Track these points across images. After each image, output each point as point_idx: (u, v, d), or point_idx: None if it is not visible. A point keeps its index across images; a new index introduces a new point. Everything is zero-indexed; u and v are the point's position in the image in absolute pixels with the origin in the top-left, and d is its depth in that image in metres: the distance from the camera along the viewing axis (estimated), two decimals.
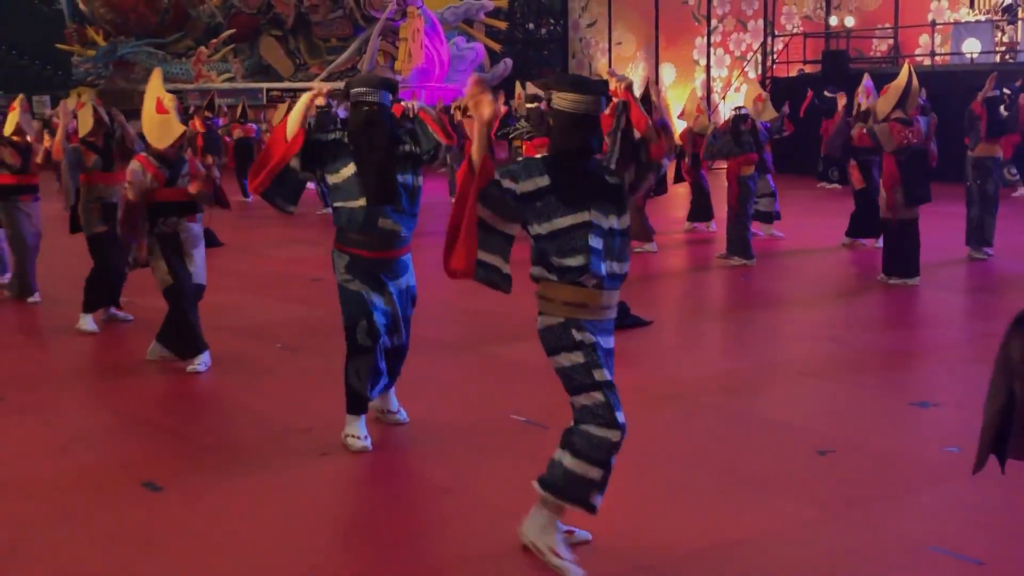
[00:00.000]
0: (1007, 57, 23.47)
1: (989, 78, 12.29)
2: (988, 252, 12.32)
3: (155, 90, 7.87)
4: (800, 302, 10.50)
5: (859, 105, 12.91)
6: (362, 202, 5.81)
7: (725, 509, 5.11)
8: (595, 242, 4.28)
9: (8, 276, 11.19)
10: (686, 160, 15.44)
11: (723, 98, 28.63)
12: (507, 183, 4.25)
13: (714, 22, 30.23)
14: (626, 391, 6.52)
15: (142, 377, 7.84)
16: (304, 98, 5.91)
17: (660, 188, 13.91)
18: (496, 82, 31.25)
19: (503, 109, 17.28)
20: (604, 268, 4.29)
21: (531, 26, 37.10)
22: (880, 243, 12.82)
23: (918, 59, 25.13)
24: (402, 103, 6.48)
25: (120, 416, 6.91)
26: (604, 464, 4.28)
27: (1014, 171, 19.87)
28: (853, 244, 13.40)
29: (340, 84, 30.33)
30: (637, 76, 31.58)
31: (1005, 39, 23.88)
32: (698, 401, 6.93)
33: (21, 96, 10.77)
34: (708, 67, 30.25)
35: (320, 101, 6.03)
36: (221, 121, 22.78)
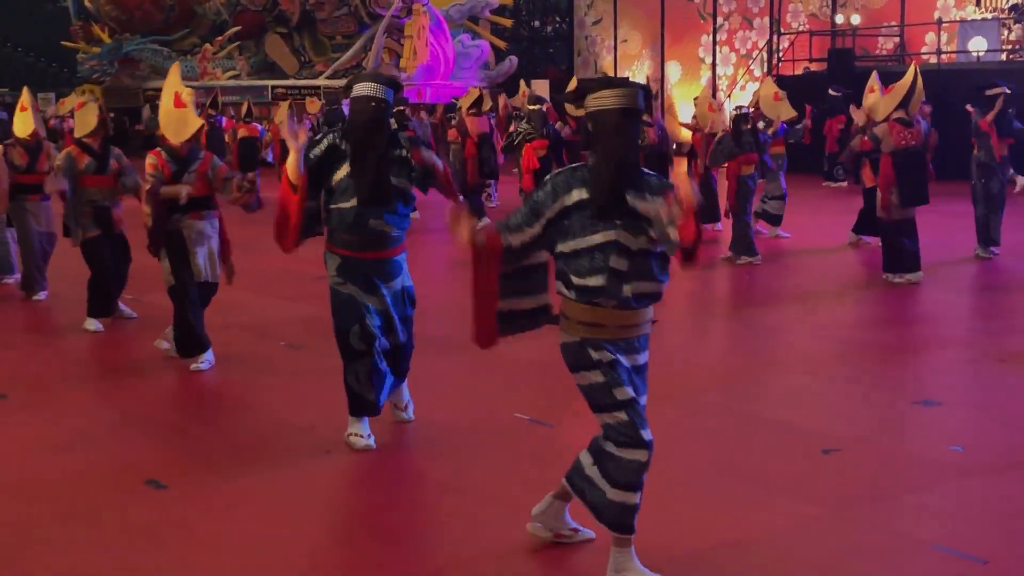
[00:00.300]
0: (1013, 56, 23.42)
1: (999, 98, 12.15)
2: (995, 251, 12.29)
3: (173, 84, 7.82)
4: (805, 301, 10.49)
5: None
6: (354, 202, 5.74)
7: (728, 508, 5.10)
8: (617, 263, 4.13)
9: (17, 276, 11.21)
10: (697, 162, 15.40)
11: (728, 96, 28.59)
12: (537, 219, 4.19)
13: (720, 20, 30.19)
14: None
15: (146, 375, 7.84)
16: (292, 147, 5.71)
17: None
18: (501, 79, 31.28)
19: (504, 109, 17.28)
20: (627, 290, 4.14)
21: (536, 23, 37.09)
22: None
23: (924, 57, 25.09)
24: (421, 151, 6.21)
25: (124, 414, 6.91)
26: (640, 486, 4.22)
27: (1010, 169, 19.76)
28: (859, 242, 13.37)
29: (344, 82, 30.48)
30: (642, 74, 31.59)
31: (1012, 37, 23.83)
32: (702, 400, 6.92)
33: (27, 91, 10.64)
34: (714, 65, 30.21)
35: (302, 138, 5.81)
36: (224, 120, 22.78)
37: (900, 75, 11.13)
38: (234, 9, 32.71)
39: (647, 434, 4.18)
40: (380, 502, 5.39)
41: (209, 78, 31.69)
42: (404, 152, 5.86)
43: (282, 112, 21.04)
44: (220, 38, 32.69)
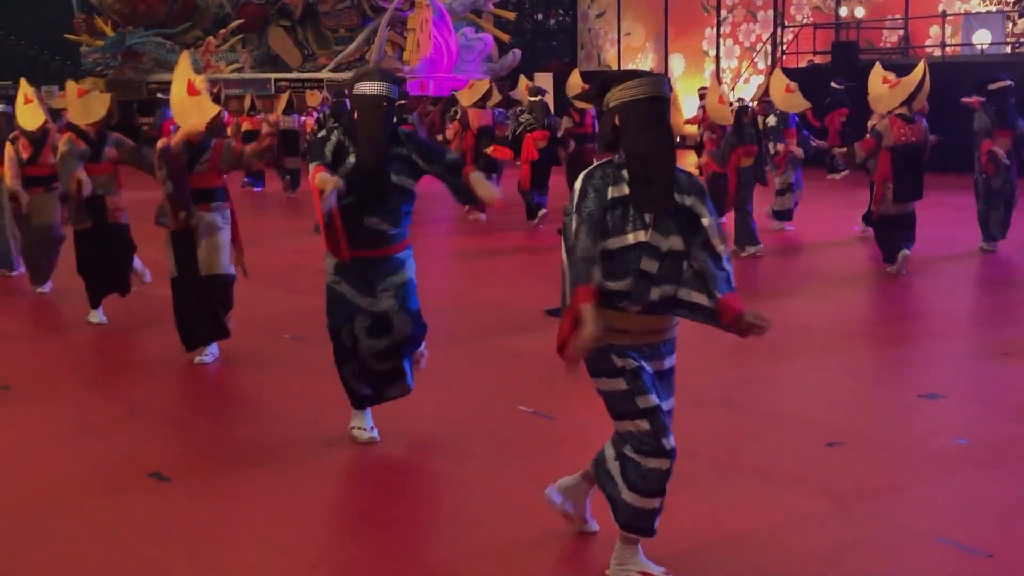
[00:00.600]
0: (1018, 48, 23.37)
1: (1006, 94, 12.12)
2: (992, 246, 12.23)
3: (184, 73, 7.68)
4: (810, 293, 10.48)
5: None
6: (350, 198, 5.59)
7: (732, 501, 5.10)
8: (648, 265, 3.99)
9: (20, 270, 11.21)
10: (700, 159, 15.37)
11: (732, 89, 28.55)
12: (587, 218, 3.97)
13: (724, 13, 30.13)
14: None
15: (149, 368, 7.85)
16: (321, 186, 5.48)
17: None
18: (505, 72, 31.24)
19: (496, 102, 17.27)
20: (655, 293, 4.00)
21: (540, 16, 37.03)
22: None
23: (928, 50, 25.04)
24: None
25: (127, 407, 6.91)
26: (660, 492, 4.13)
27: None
28: (865, 231, 13.36)
29: (349, 75, 30.33)
30: (646, 67, 31.53)
31: (1016, 30, 23.78)
32: (706, 393, 6.91)
33: (24, 83, 10.47)
34: (717, 58, 30.16)
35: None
36: (227, 114, 22.72)
37: (903, 68, 11.10)
38: (237, 2, 32.67)
39: (669, 442, 4.06)
40: (384, 494, 5.38)
41: (212, 71, 31.65)
42: (405, 150, 5.74)
43: (282, 104, 21.00)
44: (223, 31, 32.65)
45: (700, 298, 4.04)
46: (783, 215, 14.19)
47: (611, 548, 4.32)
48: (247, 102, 21.57)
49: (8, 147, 10.11)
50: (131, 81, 32.25)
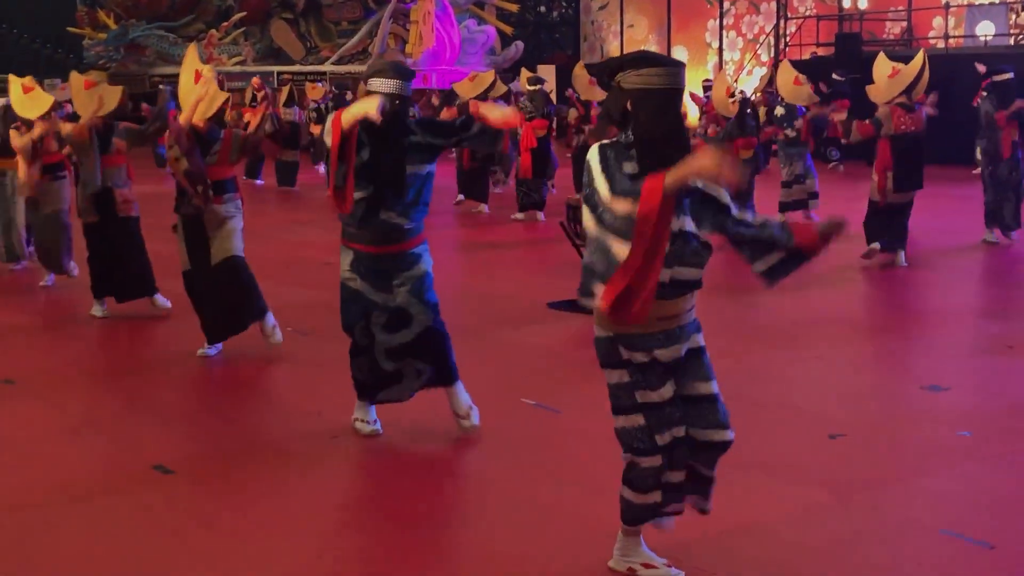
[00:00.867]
0: (1022, 40, 23.33)
1: (1018, 99, 12.11)
2: (1014, 236, 12.18)
3: (192, 63, 7.68)
4: (812, 286, 10.47)
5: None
6: (365, 193, 5.54)
7: (735, 493, 5.09)
8: None
9: (24, 264, 11.21)
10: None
11: (735, 81, 28.50)
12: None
13: (726, 4, 30.10)
14: None
15: (153, 362, 7.86)
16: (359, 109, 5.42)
17: None
18: (507, 65, 31.22)
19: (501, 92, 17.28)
20: (665, 275, 3.87)
21: (542, 8, 37.00)
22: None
23: (931, 41, 25.00)
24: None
25: (131, 400, 6.92)
26: (658, 486, 4.10)
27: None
28: None
29: (351, 68, 30.27)
30: None
31: (1020, 21, 23.73)
32: None
33: (13, 77, 10.35)
34: (720, 50, 30.13)
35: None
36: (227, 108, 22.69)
37: (906, 60, 11.09)
38: None
39: (663, 438, 4.01)
40: (387, 486, 5.40)
41: (215, 64, 31.64)
42: (418, 137, 5.67)
43: (283, 98, 20.96)
44: (226, 24, 32.65)
45: (774, 257, 4.09)
46: (794, 205, 14.05)
47: (612, 540, 4.33)
48: (248, 94, 21.58)
49: (12, 132, 10.03)
50: (134, 74, 32.24)
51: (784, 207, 14.00)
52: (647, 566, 4.25)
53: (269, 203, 18.10)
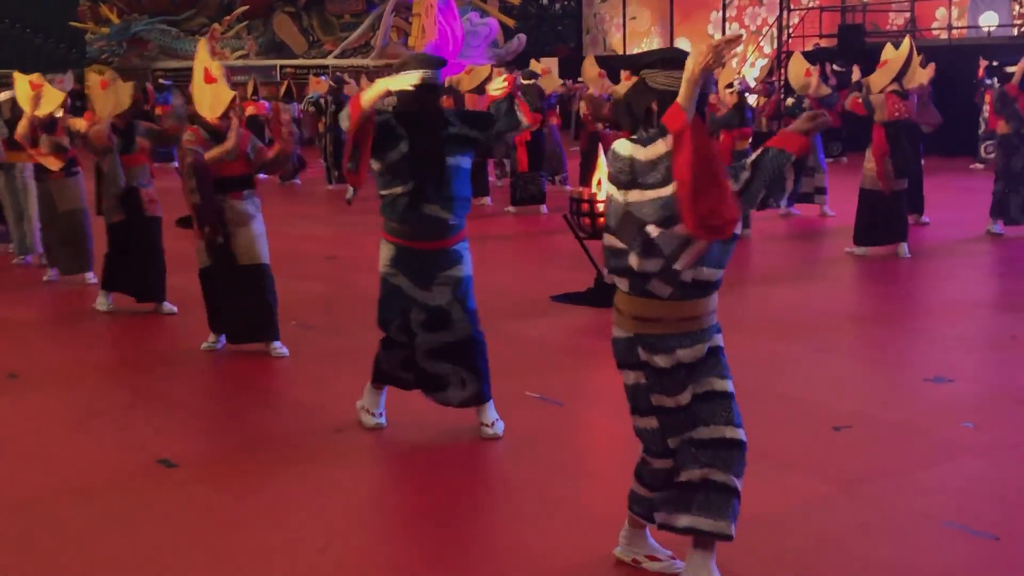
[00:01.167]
0: None
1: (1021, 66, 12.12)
2: (999, 229, 12.18)
3: (202, 60, 7.63)
4: (815, 277, 10.47)
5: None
6: (407, 187, 5.48)
7: None
8: None
9: (30, 258, 11.20)
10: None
11: (739, 72, 28.46)
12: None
13: None
14: None
15: (157, 355, 7.86)
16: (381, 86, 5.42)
17: None
18: (510, 57, 31.17)
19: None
20: (688, 275, 3.81)
21: (545, 1, 36.94)
22: (924, 217, 12.80)
23: (934, 32, 24.94)
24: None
25: (135, 393, 6.93)
26: (668, 486, 4.02)
27: (991, 148, 19.60)
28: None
29: (354, 61, 30.22)
30: None
31: (1023, 12, 23.68)
32: None
33: (18, 74, 10.30)
34: None
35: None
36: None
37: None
38: None
39: (674, 442, 3.96)
40: (390, 480, 5.40)
41: (217, 58, 31.64)
42: (456, 129, 5.62)
43: (282, 91, 20.98)
44: (228, 18, 32.61)
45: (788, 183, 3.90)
46: (797, 198, 13.95)
47: (618, 528, 4.33)
48: (250, 87, 21.56)
49: (22, 123, 9.96)
50: (136, 69, 32.23)
51: (807, 197, 13.96)
52: (651, 558, 4.26)
53: (270, 197, 18.05)
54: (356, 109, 5.37)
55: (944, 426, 5.94)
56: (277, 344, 7.60)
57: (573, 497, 5.04)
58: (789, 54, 25.58)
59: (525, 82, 15.63)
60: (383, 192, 5.59)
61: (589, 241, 9.30)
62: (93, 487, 5.27)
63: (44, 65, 28.39)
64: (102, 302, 9.08)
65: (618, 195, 3.86)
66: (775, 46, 27.47)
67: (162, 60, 31.98)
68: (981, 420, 5.99)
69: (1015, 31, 23.25)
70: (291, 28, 32.30)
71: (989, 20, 22.90)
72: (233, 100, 7.50)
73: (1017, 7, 23.72)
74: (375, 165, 5.57)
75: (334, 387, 6.80)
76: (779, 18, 27.75)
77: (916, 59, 10.93)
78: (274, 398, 6.84)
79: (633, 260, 3.82)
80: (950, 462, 5.42)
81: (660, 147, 3.74)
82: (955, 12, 24.41)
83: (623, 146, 3.87)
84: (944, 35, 24.23)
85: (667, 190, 3.72)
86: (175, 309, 8.91)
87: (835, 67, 20.77)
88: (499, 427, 5.81)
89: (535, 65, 19.09)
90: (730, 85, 12.57)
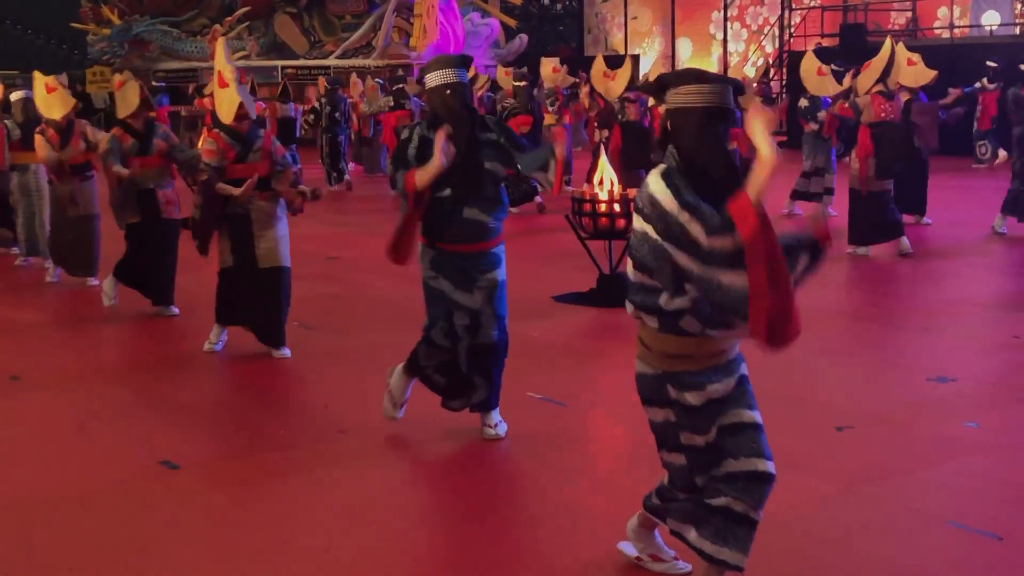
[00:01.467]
0: None
1: None
2: (1004, 227, 12.15)
3: (218, 64, 7.62)
4: (818, 277, 10.45)
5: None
6: (447, 192, 5.48)
7: None
8: None
9: (31, 260, 11.18)
10: None
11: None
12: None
13: None
14: None
15: (159, 355, 7.86)
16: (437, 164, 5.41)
17: None
18: (512, 58, 31.18)
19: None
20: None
21: (546, 1, 36.94)
22: (926, 219, 12.80)
23: (936, 31, 24.94)
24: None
25: (137, 395, 6.93)
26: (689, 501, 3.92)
27: (984, 149, 19.60)
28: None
29: (355, 62, 30.21)
30: (653, 51, 31.44)
31: None
32: None
33: (38, 74, 10.29)
34: (725, 41, 30.07)
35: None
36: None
37: (911, 51, 11.22)
38: None
39: (700, 479, 3.83)
40: (393, 480, 5.40)
41: (234, 59, 31.67)
42: (494, 135, 5.61)
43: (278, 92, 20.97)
44: (229, 19, 32.61)
45: (803, 263, 3.84)
46: (808, 196, 13.90)
47: (622, 531, 4.31)
48: (248, 87, 21.51)
49: (38, 138, 9.95)
50: (138, 70, 32.24)
51: (797, 195, 13.87)
52: (655, 558, 4.24)
53: None
54: (411, 187, 5.43)
55: (947, 426, 5.93)
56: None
57: (576, 498, 5.03)
58: (791, 53, 25.62)
59: (516, 84, 15.63)
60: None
61: (591, 241, 9.30)
62: (95, 488, 5.27)
63: (46, 66, 28.46)
64: (108, 295, 8.93)
65: (653, 234, 3.62)
66: (776, 45, 27.48)
67: (164, 61, 31.98)
68: (984, 420, 5.99)
69: (1017, 30, 23.23)
70: (292, 29, 32.30)
71: (991, 19, 22.90)
72: (240, 106, 7.37)
73: (1019, 6, 23.72)
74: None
75: (336, 388, 6.80)
76: (780, 17, 27.76)
77: (900, 58, 11.02)
78: (276, 399, 6.84)
79: (664, 299, 3.68)
80: (953, 462, 5.41)
81: (727, 242, 3.48)
82: (957, 11, 24.41)
83: (664, 198, 3.58)
84: (946, 34, 24.22)
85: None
86: (176, 311, 8.90)
87: (833, 66, 20.75)
88: (502, 428, 5.80)
89: (546, 62, 19.09)
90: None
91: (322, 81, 22.08)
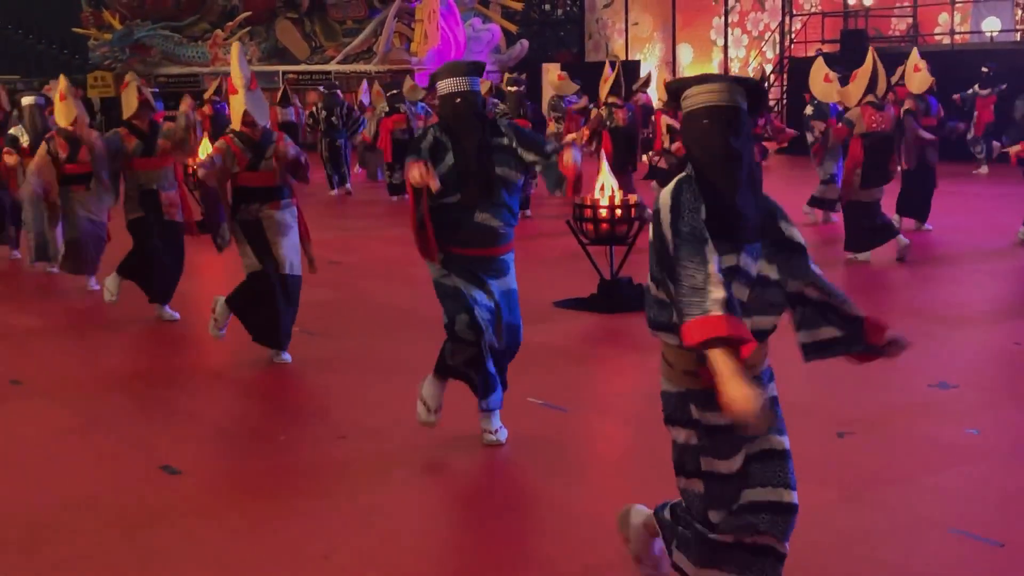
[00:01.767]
0: None
1: None
2: None
3: (232, 69, 7.65)
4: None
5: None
6: (458, 197, 5.48)
7: None
8: (739, 292, 3.47)
9: (56, 267, 11.16)
10: None
11: None
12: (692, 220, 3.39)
13: (731, 1, 30.04)
14: (641, 373, 6.56)
15: (159, 360, 7.86)
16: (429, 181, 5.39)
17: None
18: (513, 63, 31.20)
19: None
20: (747, 325, 3.41)
21: (547, 7, 36.97)
22: (927, 225, 12.80)
23: (937, 37, 24.96)
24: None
25: (138, 400, 6.93)
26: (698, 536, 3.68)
27: (980, 149, 19.59)
28: (899, 222, 13.37)
29: (356, 67, 30.24)
30: (654, 57, 31.47)
31: None
32: None
33: (63, 78, 10.28)
34: (725, 47, 30.08)
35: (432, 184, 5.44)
36: (227, 106, 22.64)
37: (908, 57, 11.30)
38: None
39: (716, 515, 3.58)
40: (394, 486, 5.39)
41: (221, 64, 31.67)
42: (507, 140, 5.60)
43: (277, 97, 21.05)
44: (231, 24, 32.66)
45: (829, 332, 3.74)
46: (823, 203, 13.82)
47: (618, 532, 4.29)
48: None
49: (42, 146, 9.93)
50: (139, 74, 32.29)
51: (813, 201, 13.89)
52: (639, 560, 4.12)
53: None
54: (407, 177, 5.45)
55: (948, 432, 5.92)
56: (284, 353, 7.58)
57: (576, 503, 5.03)
58: (792, 59, 25.62)
59: (509, 89, 15.64)
60: (433, 204, 5.55)
61: (591, 247, 9.31)
62: (95, 493, 5.27)
63: (47, 71, 28.45)
64: (111, 290, 8.90)
65: (659, 245, 3.48)
66: (777, 51, 27.50)
67: (165, 66, 32.02)
68: (986, 426, 5.98)
69: (1018, 36, 23.25)
70: (294, 34, 32.34)
71: (992, 25, 22.91)
72: (245, 113, 7.35)
73: (1020, 12, 23.73)
74: None
75: (337, 393, 6.80)
76: (781, 23, 27.78)
77: (909, 64, 11.06)
78: (277, 404, 6.83)
79: (675, 315, 3.46)
80: (954, 468, 5.41)
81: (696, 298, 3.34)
82: (958, 17, 24.43)
83: (666, 214, 3.48)
84: (947, 40, 24.24)
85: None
86: (176, 316, 8.89)
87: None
88: (502, 434, 5.80)
89: (549, 69, 19.11)
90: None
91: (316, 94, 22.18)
